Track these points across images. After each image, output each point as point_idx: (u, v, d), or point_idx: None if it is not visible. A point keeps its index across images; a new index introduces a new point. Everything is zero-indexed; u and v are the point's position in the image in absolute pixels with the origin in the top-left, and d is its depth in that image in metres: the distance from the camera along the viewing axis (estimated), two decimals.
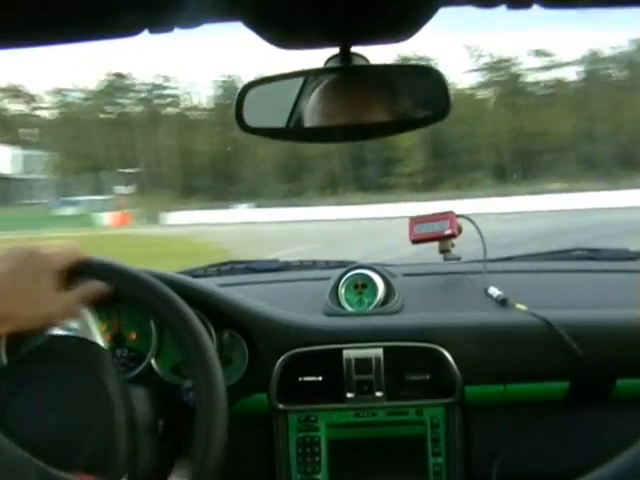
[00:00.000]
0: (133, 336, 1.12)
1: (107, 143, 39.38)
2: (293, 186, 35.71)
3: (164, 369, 1.13)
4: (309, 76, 0.84)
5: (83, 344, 0.86)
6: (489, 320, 1.18)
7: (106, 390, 0.80)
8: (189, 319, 0.85)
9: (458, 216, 1.40)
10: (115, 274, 0.86)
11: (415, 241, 1.44)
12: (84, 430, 0.78)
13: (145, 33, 0.62)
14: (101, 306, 1.05)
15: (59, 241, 0.91)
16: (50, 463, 0.65)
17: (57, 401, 0.79)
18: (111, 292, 0.86)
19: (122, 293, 0.87)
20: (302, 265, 1.57)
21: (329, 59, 0.77)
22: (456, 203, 14.69)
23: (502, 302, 1.21)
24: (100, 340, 0.91)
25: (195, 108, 45.38)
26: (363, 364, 1.12)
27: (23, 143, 36.18)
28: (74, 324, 0.91)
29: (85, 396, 0.79)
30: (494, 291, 1.24)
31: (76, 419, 0.78)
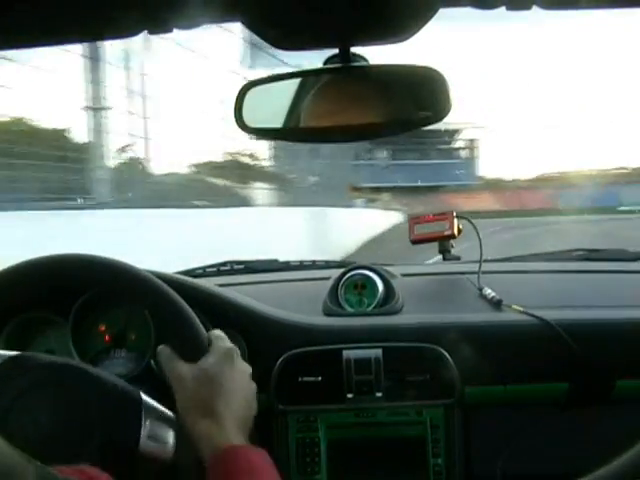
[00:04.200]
0: (133, 336, 1.12)
1: None
2: None
3: None
4: (308, 76, 0.84)
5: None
6: (488, 320, 1.18)
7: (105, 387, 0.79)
8: (188, 318, 0.85)
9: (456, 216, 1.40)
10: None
11: (415, 241, 1.44)
12: (84, 429, 0.77)
13: (144, 33, 0.61)
14: (105, 306, 1.05)
15: None
16: (48, 462, 0.64)
17: (57, 400, 0.79)
18: None
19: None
20: (302, 265, 1.57)
21: (328, 59, 0.77)
22: None
23: (497, 303, 1.21)
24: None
25: None
26: (363, 364, 1.12)
27: None
28: None
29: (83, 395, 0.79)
30: (489, 292, 1.24)
31: (76, 418, 0.78)
